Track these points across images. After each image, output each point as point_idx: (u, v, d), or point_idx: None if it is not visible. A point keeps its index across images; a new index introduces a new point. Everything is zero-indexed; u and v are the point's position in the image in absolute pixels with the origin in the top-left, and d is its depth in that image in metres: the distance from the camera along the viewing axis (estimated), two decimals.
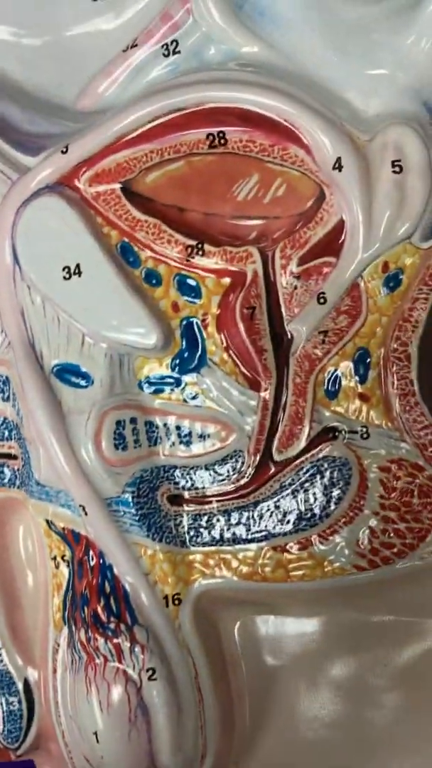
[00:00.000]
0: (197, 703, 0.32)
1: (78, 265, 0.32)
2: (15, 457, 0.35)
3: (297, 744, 0.34)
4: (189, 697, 0.32)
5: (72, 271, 0.33)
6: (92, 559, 0.32)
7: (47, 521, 0.34)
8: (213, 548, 0.33)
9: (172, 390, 0.33)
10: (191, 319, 0.33)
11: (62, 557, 0.33)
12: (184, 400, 0.33)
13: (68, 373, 0.33)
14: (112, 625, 0.32)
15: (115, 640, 0.32)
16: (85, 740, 0.32)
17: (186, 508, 0.33)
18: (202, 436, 0.33)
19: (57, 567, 0.34)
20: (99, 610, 0.32)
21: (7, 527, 0.36)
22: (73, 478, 0.32)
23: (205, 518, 0.33)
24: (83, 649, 0.32)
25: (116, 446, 0.32)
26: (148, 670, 0.32)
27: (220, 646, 0.34)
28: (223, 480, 0.33)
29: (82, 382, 0.33)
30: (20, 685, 0.35)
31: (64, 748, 0.34)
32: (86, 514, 0.32)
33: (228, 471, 0.32)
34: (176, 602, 0.33)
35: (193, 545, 0.33)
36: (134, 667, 0.32)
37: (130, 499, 0.32)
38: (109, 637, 0.32)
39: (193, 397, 0.33)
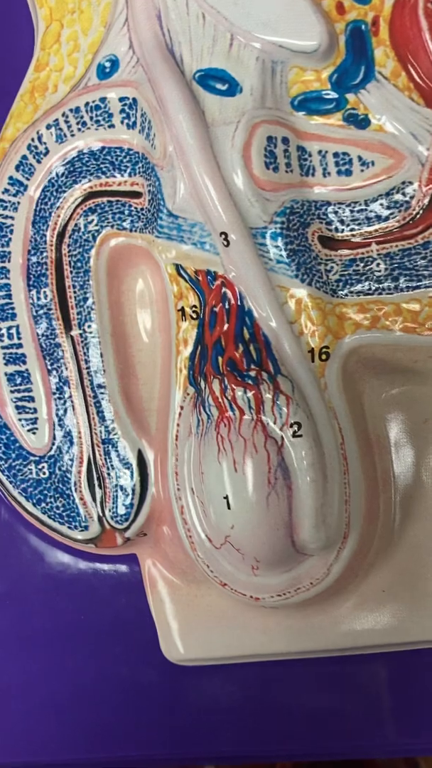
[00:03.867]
0: (343, 473, 0.28)
1: None
2: (138, 195, 0.30)
3: None
4: (335, 464, 0.28)
5: None
6: (229, 302, 0.28)
7: (176, 265, 0.29)
8: (370, 297, 0.28)
9: (330, 110, 0.28)
10: (359, 24, 0.28)
11: (190, 308, 0.29)
12: (345, 123, 0.28)
13: (213, 79, 0.28)
14: (252, 373, 0.28)
15: (254, 390, 0.27)
16: (211, 511, 0.28)
17: (339, 252, 0.29)
18: (365, 165, 0.28)
19: (183, 320, 0.29)
20: (237, 356, 0.28)
21: (123, 284, 0.31)
22: (216, 198, 0.27)
23: (362, 264, 0.29)
24: (215, 404, 0.28)
25: (267, 165, 0.28)
26: (292, 425, 0.27)
27: (366, 423, 0.30)
28: (386, 218, 0.28)
29: (229, 90, 0.28)
30: (133, 457, 0.31)
31: (182, 527, 0.30)
32: (227, 244, 0.28)
33: (393, 207, 0.28)
34: (323, 357, 0.28)
35: (347, 295, 0.29)
36: (276, 420, 0.27)
37: (278, 231, 0.28)
38: (248, 386, 0.28)
39: (356, 119, 0.28)
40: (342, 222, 0.28)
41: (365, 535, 0.29)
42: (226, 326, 0.28)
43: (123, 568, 0.33)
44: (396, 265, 0.28)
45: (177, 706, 0.33)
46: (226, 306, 0.28)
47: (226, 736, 0.34)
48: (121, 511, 0.31)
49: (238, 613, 0.31)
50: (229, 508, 0.28)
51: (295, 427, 0.27)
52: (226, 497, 0.28)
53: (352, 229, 0.28)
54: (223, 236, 0.27)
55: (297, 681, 0.33)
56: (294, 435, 0.27)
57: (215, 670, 0.33)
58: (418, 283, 0.28)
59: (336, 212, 0.28)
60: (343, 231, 0.28)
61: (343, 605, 0.30)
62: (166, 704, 0.34)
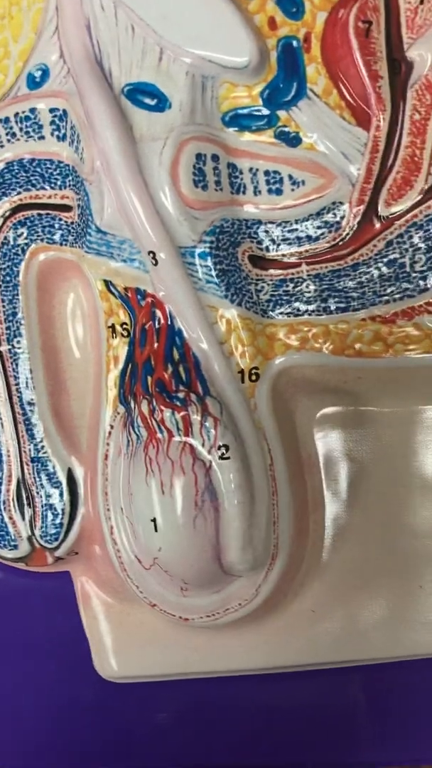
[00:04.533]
0: (271, 495, 0.28)
1: None
2: (68, 209, 0.29)
3: (379, 555, 0.30)
4: (263, 486, 0.27)
5: None
6: (159, 321, 0.28)
7: (105, 282, 0.29)
8: (300, 319, 0.28)
9: (262, 127, 0.28)
10: (290, 40, 0.27)
11: (121, 325, 0.29)
12: (276, 140, 0.28)
13: (142, 93, 0.27)
14: (180, 395, 0.27)
15: (183, 412, 0.27)
16: (139, 532, 0.28)
17: (270, 272, 0.28)
18: (296, 184, 0.28)
19: (114, 337, 0.29)
20: (166, 377, 0.28)
21: (55, 298, 0.31)
22: (143, 216, 0.26)
23: (292, 284, 0.28)
24: (144, 425, 0.27)
25: (195, 183, 0.27)
26: (220, 448, 0.27)
27: (297, 443, 0.30)
28: (316, 238, 0.28)
29: (158, 105, 0.27)
30: (63, 476, 0.30)
31: (112, 547, 0.29)
32: (156, 263, 0.27)
33: (323, 227, 0.28)
34: (253, 378, 0.28)
35: (277, 315, 0.28)
36: (204, 443, 0.27)
37: (207, 251, 0.27)
38: (176, 407, 0.27)
39: (288, 137, 0.28)
40: (273, 241, 0.28)
41: (294, 556, 0.29)
42: (156, 345, 0.28)
43: (56, 584, 0.33)
44: (325, 287, 0.28)
45: (111, 723, 0.33)
46: (156, 325, 0.28)
47: (160, 752, 0.33)
48: (51, 530, 0.30)
49: (170, 632, 0.31)
50: (156, 530, 0.27)
51: (223, 450, 0.27)
52: (154, 519, 0.27)
53: (282, 249, 0.28)
54: (152, 255, 0.27)
55: (233, 697, 0.33)
56: (222, 457, 0.27)
57: (149, 687, 0.33)
58: (347, 305, 0.28)
59: (267, 231, 0.28)
60: (273, 250, 0.28)
61: (274, 624, 0.30)
62: (100, 720, 0.33)
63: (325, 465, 0.30)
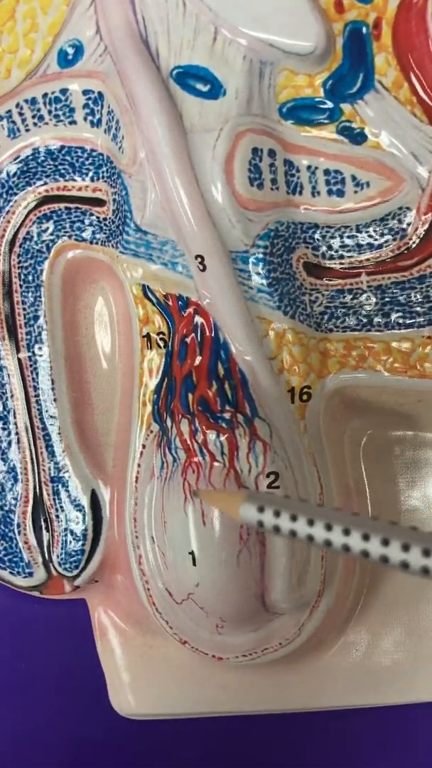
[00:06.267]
0: None
1: None
2: (102, 203, 0.27)
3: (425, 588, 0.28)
4: None
5: None
6: (203, 333, 0.25)
7: (142, 286, 0.26)
8: (358, 334, 0.26)
9: (323, 121, 0.25)
10: (359, 25, 0.25)
11: (157, 334, 0.26)
12: (338, 136, 0.25)
13: (193, 78, 0.24)
14: (226, 415, 0.25)
15: (229, 434, 0.25)
16: (173, 564, 0.25)
17: (326, 281, 0.26)
18: (359, 186, 0.25)
19: (149, 347, 0.26)
20: (210, 395, 0.25)
21: (81, 302, 0.28)
22: (191, 216, 0.24)
23: (350, 296, 0.26)
24: (183, 447, 0.25)
25: (251, 181, 0.24)
26: (268, 475, 0.24)
27: (346, 468, 0.28)
28: (379, 246, 0.25)
29: (211, 91, 0.24)
30: (86, 499, 0.27)
31: (140, 578, 0.27)
32: (203, 269, 0.24)
33: (387, 234, 0.25)
34: (304, 397, 0.25)
35: (332, 330, 0.26)
36: (251, 469, 0.24)
37: (261, 257, 0.25)
38: (222, 429, 0.24)
39: (351, 133, 0.25)
40: (330, 248, 0.25)
41: (341, 593, 0.27)
42: (198, 360, 0.25)
43: (69, 612, 0.30)
44: (388, 300, 0.25)
45: (126, 761, 0.31)
46: (199, 337, 0.25)
47: None
48: (71, 557, 0.27)
49: (197, 668, 0.28)
50: (194, 564, 0.25)
51: (272, 477, 0.25)
52: (192, 553, 0.25)
53: (341, 257, 0.25)
54: (199, 260, 0.24)
55: (254, 735, 0.31)
56: (270, 485, 0.25)
57: (168, 723, 0.31)
58: (411, 321, 0.25)
59: (324, 237, 0.25)
60: (330, 258, 0.25)
61: (313, 664, 0.27)
62: (115, 759, 0.31)
63: (373, 494, 0.28)
